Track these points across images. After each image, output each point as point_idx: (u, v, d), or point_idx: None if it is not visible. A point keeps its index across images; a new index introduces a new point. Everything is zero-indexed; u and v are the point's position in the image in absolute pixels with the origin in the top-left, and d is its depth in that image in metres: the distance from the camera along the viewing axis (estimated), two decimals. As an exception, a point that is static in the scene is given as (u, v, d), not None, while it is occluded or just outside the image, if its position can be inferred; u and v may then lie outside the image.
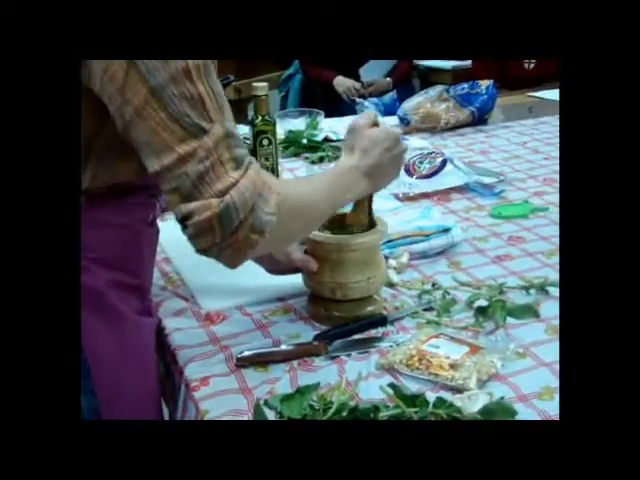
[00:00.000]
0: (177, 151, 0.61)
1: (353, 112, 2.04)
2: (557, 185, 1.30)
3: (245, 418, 0.68)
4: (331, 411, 0.65)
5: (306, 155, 1.52)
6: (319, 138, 1.60)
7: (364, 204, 0.85)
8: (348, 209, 0.86)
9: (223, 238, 0.64)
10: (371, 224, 0.86)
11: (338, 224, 0.85)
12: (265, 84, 1.21)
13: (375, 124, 0.82)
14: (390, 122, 1.73)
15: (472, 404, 0.66)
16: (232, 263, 0.68)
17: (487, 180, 1.30)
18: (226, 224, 0.63)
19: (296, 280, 0.89)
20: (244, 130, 1.58)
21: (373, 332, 0.84)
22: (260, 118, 1.22)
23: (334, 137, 1.60)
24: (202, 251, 0.66)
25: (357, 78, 2.38)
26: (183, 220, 0.64)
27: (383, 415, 0.65)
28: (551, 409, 0.66)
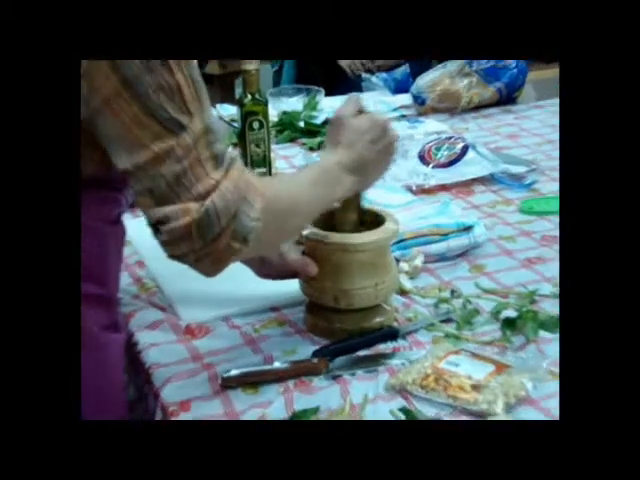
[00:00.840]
0: (152, 149, 0.63)
1: (358, 89, 2.04)
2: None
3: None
4: (333, 440, 0.66)
5: (303, 140, 1.53)
6: (319, 120, 1.60)
7: (352, 202, 0.86)
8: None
9: (202, 246, 0.66)
10: (360, 222, 0.87)
11: (324, 223, 0.86)
12: (255, 57, 1.22)
13: (361, 111, 0.83)
14: (402, 101, 1.74)
15: (498, 432, 0.67)
16: (210, 272, 0.70)
17: (516, 169, 1.31)
18: (206, 231, 0.65)
19: (292, 286, 0.90)
20: (230, 111, 1.59)
21: (382, 347, 0.85)
22: (250, 97, 1.23)
23: (336, 119, 1.60)
24: (176, 257, 0.68)
25: (363, 50, 2.38)
26: (156, 225, 0.65)
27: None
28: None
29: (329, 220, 0.87)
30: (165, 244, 0.66)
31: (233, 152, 0.68)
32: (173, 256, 0.67)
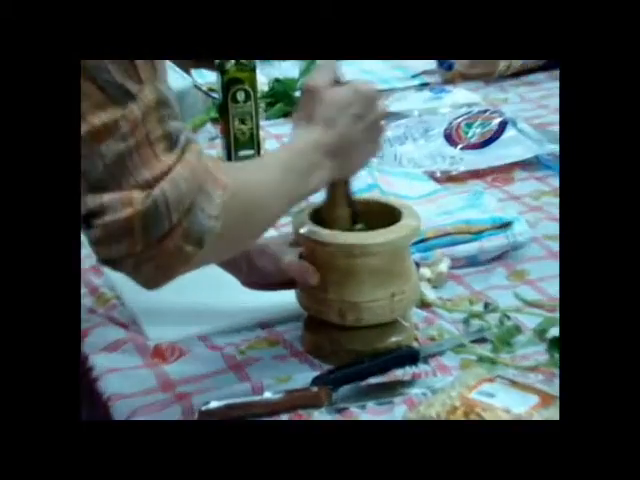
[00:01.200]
0: (90, 122, 0.63)
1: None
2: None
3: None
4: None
5: (300, 115, 1.54)
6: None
7: (339, 192, 0.87)
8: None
9: (145, 247, 0.65)
10: (354, 219, 0.88)
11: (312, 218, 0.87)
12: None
13: (337, 81, 0.83)
14: (424, 66, 1.74)
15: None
16: (152, 283, 0.70)
17: (566, 151, 1.32)
18: (152, 228, 0.65)
19: (287, 298, 0.90)
20: (209, 78, 1.59)
21: (398, 373, 0.86)
22: (233, 61, 1.23)
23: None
24: (109, 262, 0.67)
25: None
26: (89, 217, 0.65)
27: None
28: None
29: (317, 216, 0.87)
30: (97, 243, 0.66)
31: (189, 132, 0.68)
32: (105, 260, 0.67)
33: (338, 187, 0.86)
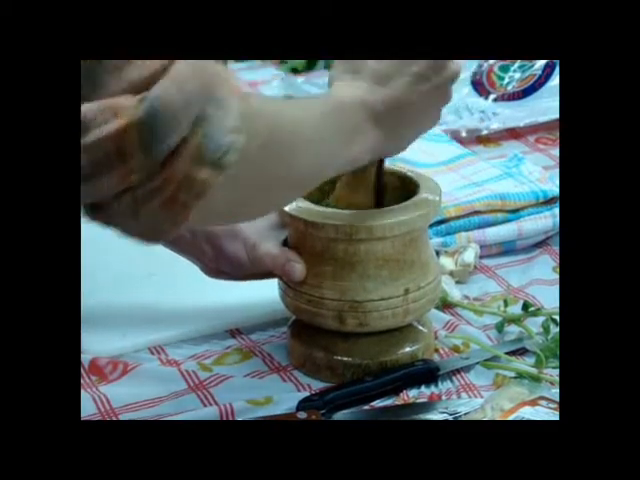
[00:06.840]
0: None
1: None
2: None
3: None
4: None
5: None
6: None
7: (368, 171, 0.87)
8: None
9: (146, 175, 0.61)
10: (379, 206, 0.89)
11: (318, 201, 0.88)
12: None
13: None
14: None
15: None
16: (153, 232, 0.66)
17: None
18: (153, 145, 0.61)
19: (266, 295, 0.92)
20: None
21: (413, 394, 0.87)
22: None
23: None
24: (97, 209, 0.63)
25: None
26: None
27: None
28: None
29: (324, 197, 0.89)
30: (82, 178, 0.61)
31: None
32: (93, 208, 0.63)
33: (369, 164, 0.85)
